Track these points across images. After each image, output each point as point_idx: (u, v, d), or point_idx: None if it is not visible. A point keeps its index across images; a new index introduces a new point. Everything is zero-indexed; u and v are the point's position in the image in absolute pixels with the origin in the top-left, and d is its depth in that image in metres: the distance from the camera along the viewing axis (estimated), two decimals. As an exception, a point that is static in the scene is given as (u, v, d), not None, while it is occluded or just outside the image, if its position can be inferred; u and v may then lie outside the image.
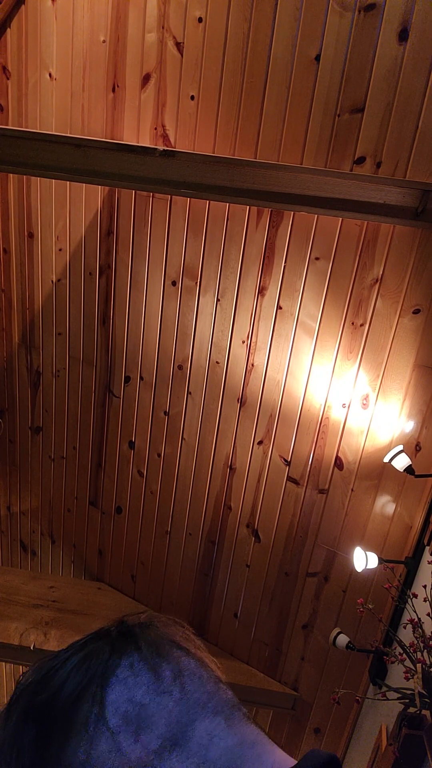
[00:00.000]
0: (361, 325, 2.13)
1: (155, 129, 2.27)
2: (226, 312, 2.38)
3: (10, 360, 3.08)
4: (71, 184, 2.56)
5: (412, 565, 2.10)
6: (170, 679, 0.39)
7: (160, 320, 2.55)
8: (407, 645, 1.61)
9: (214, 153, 2.16)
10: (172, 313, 2.50)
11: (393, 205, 1.81)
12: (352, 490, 2.30)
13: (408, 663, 1.58)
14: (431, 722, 1.49)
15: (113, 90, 2.32)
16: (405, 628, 1.83)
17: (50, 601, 3.07)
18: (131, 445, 2.86)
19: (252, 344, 2.37)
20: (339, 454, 2.30)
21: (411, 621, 1.60)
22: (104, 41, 2.26)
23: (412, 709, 1.50)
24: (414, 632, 1.58)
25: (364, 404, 2.20)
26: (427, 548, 2.03)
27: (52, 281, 2.79)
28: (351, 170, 1.97)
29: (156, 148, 1.86)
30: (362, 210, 1.84)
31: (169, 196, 2.32)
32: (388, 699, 1.61)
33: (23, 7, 2.39)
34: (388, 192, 1.80)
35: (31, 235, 2.77)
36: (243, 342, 2.38)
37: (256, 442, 2.48)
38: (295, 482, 2.43)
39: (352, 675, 2.45)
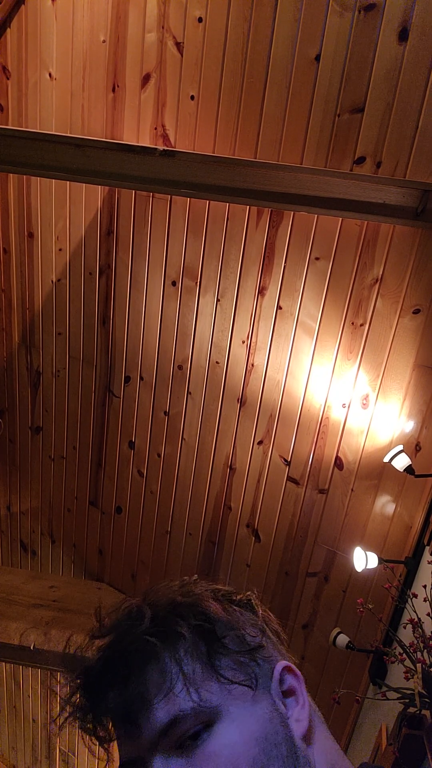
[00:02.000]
0: (361, 325, 2.13)
1: (155, 129, 2.27)
2: (226, 312, 2.38)
3: (10, 360, 3.08)
4: (71, 184, 2.56)
5: (412, 565, 2.10)
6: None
7: (160, 320, 2.55)
8: (407, 645, 1.61)
9: (214, 153, 2.16)
10: (172, 313, 2.50)
11: (393, 205, 1.81)
12: (352, 490, 2.30)
13: (408, 663, 1.58)
14: (431, 722, 1.49)
15: (113, 90, 2.32)
16: (405, 628, 1.83)
17: (50, 601, 3.07)
18: (131, 445, 2.86)
19: (252, 344, 2.37)
20: (339, 454, 2.30)
21: (411, 621, 1.60)
22: (104, 41, 2.26)
23: (412, 709, 1.50)
24: (414, 632, 1.58)
25: (364, 404, 2.20)
26: (427, 548, 2.03)
27: (52, 281, 2.79)
28: (351, 170, 1.97)
29: (156, 148, 1.86)
30: (362, 210, 1.84)
31: (169, 196, 2.32)
32: (388, 699, 1.61)
33: (23, 7, 2.39)
34: (388, 192, 1.80)
35: (31, 235, 2.77)
36: (243, 342, 2.38)
37: (256, 442, 2.48)
38: (295, 482, 2.43)
39: (352, 675, 2.45)
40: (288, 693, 0.46)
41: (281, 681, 0.46)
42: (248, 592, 0.53)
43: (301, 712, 0.45)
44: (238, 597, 0.52)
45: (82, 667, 0.46)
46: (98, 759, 0.46)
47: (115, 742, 0.45)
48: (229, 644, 0.46)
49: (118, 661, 0.44)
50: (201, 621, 0.46)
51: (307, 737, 0.44)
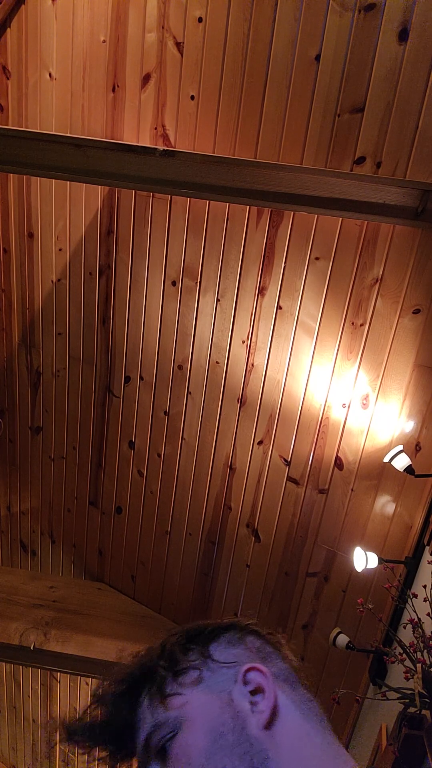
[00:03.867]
0: (361, 325, 2.13)
1: (155, 129, 2.27)
2: (226, 312, 2.38)
3: (10, 360, 3.08)
4: (71, 184, 2.56)
5: (412, 565, 2.10)
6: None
7: (160, 320, 2.55)
8: (407, 645, 1.61)
9: (214, 153, 2.16)
10: (172, 313, 2.50)
11: (393, 205, 1.81)
12: (352, 490, 2.30)
13: (408, 663, 1.57)
14: (431, 722, 1.49)
15: (113, 90, 2.32)
16: (405, 628, 1.83)
17: (50, 601, 3.07)
18: (131, 445, 2.86)
19: (252, 344, 2.37)
20: (339, 454, 2.30)
21: (411, 621, 1.59)
22: (104, 41, 2.26)
23: (412, 709, 1.50)
24: (414, 632, 1.58)
25: (364, 404, 2.20)
26: (427, 548, 2.03)
27: (52, 281, 2.79)
28: (351, 170, 1.97)
29: (156, 148, 1.86)
30: (362, 210, 1.84)
31: (169, 196, 2.32)
32: (388, 699, 1.60)
33: (23, 7, 2.39)
34: (388, 192, 1.80)
35: (31, 235, 2.77)
36: (243, 342, 2.38)
37: (256, 442, 2.48)
38: (295, 482, 2.43)
39: (352, 675, 2.45)
40: (256, 691, 0.54)
41: (246, 681, 0.55)
42: (234, 620, 0.64)
43: (264, 705, 0.53)
44: (215, 626, 0.63)
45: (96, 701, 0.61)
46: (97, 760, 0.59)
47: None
48: (163, 673, 0.58)
49: (105, 712, 0.60)
50: (147, 668, 0.60)
51: (267, 725, 0.51)
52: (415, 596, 1.75)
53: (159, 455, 2.78)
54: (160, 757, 0.53)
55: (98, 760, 0.59)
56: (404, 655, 1.61)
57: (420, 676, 1.44)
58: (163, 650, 0.61)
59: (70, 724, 0.60)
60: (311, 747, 0.51)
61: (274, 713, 0.52)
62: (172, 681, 0.57)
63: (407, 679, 1.50)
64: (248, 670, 0.56)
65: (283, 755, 0.49)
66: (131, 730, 0.57)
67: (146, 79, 2.23)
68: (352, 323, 2.15)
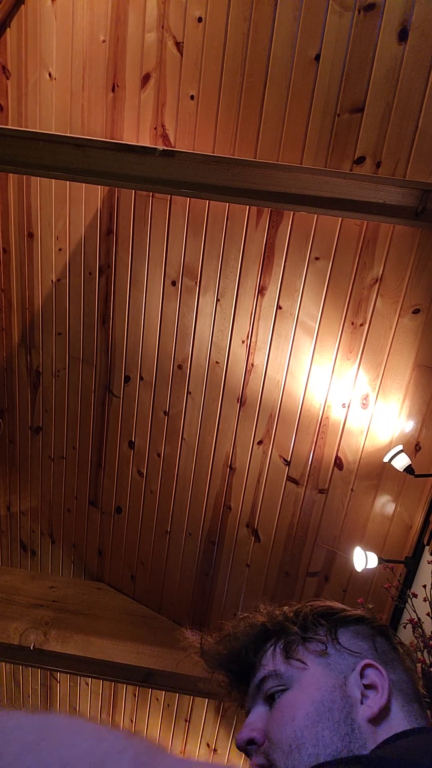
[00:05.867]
0: (361, 324, 2.13)
1: (155, 129, 2.27)
2: (226, 312, 2.38)
3: (10, 360, 3.08)
4: (71, 184, 2.55)
5: (412, 564, 2.10)
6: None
7: (159, 320, 2.55)
8: (407, 645, 1.61)
9: (214, 153, 2.16)
10: (172, 312, 2.50)
11: (393, 205, 1.81)
12: (352, 490, 2.30)
13: (408, 663, 1.57)
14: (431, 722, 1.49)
15: (113, 90, 2.32)
16: (405, 627, 1.83)
17: (50, 601, 3.07)
18: (131, 444, 2.86)
19: (252, 344, 2.37)
20: (339, 454, 2.30)
21: (411, 621, 1.60)
22: (104, 41, 2.26)
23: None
24: (414, 632, 1.58)
25: (363, 404, 2.21)
26: (427, 548, 2.03)
27: (52, 281, 2.79)
28: (351, 170, 1.97)
29: (156, 148, 1.86)
30: (362, 210, 1.84)
31: (169, 196, 2.32)
32: (388, 699, 1.60)
33: (23, 7, 2.39)
34: (387, 192, 1.80)
35: (31, 235, 2.77)
36: (243, 342, 2.38)
37: (255, 442, 2.48)
38: (295, 482, 2.43)
39: (352, 675, 2.45)
40: (370, 686, 0.58)
41: (363, 675, 0.59)
42: (365, 613, 0.68)
43: (374, 701, 0.56)
44: (348, 614, 0.67)
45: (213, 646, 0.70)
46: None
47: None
48: (293, 635, 0.64)
49: (235, 645, 0.68)
50: (280, 624, 0.67)
51: (374, 720, 0.54)
52: (415, 596, 1.75)
53: (159, 455, 2.78)
54: (268, 701, 0.60)
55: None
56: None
57: (420, 676, 1.44)
58: (297, 615, 0.66)
59: (207, 646, 0.69)
60: (409, 761, 0.50)
61: (382, 713, 0.55)
62: (299, 643, 0.62)
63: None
64: (368, 665, 0.59)
65: (380, 752, 0.50)
66: (251, 667, 0.65)
67: (146, 79, 2.23)
68: (352, 323, 2.15)
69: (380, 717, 0.54)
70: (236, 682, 0.68)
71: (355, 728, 0.53)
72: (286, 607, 0.70)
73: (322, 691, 0.56)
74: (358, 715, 0.54)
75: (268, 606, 0.72)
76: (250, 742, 0.57)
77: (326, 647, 0.61)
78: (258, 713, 0.60)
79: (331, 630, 0.64)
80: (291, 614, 0.68)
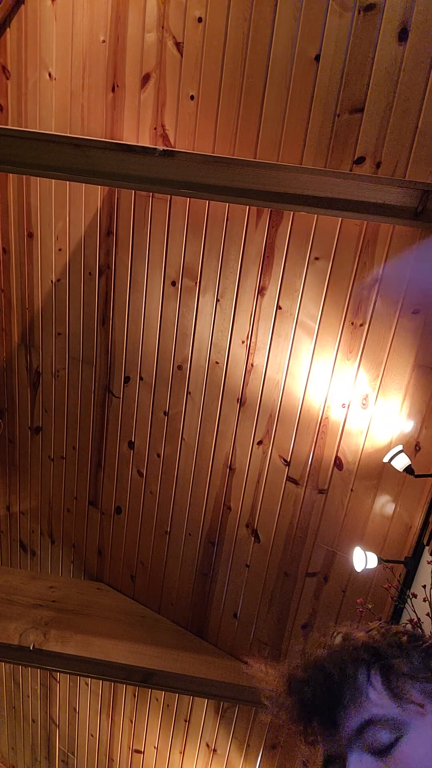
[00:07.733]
0: (361, 325, 2.13)
1: (155, 129, 2.27)
2: (226, 312, 2.38)
3: (10, 360, 3.08)
4: (71, 184, 2.56)
5: (412, 565, 2.10)
6: None
7: (159, 320, 2.55)
8: None
9: (213, 153, 2.16)
10: (172, 313, 2.50)
11: (393, 205, 1.81)
12: (351, 490, 2.30)
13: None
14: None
15: (113, 90, 2.32)
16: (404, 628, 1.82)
17: (50, 601, 3.07)
18: (131, 445, 2.86)
19: (252, 344, 2.37)
20: (338, 454, 2.30)
21: (411, 621, 1.60)
22: (104, 41, 2.26)
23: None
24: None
25: (363, 404, 2.20)
26: (427, 548, 2.03)
27: (52, 281, 2.79)
28: (351, 170, 1.97)
29: (156, 148, 1.86)
30: (362, 210, 1.84)
31: (169, 196, 2.32)
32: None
33: (23, 7, 2.39)
34: (387, 192, 1.80)
35: (30, 235, 2.77)
36: (243, 342, 2.38)
37: (255, 442, 2.48)
38: (295, 482, 2.43)
39: (351, 675, 2.45)
40: None
41: None
42: None
43: None
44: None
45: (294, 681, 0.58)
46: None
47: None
48: (400, 667, 0.55)
49: (323, 679, 0.56)
50: (383, 657, 0.56)
51: None
52: (415, 596, 1.75)
53: (159, 455, 2.78)
54: (374, 751, 0.49)
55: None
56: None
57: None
58: (399, 646, 0.57)
59: (296, 679, 0.57)
60: None
61: None
62: (409, 681, 0.53)
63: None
64: None
65: None
66: (333, 698, 0.54)
67: (146, 79, 2.23)
68: (352, 323, 2.15)
69: None
70: (309, 713, 0.56)
71: None
72: (360, 633, 0.60)
73: None
74: None
75: (342, 627, 0.62)
76: None
77: None
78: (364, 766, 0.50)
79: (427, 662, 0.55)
80: (381, 639, 0.58)
